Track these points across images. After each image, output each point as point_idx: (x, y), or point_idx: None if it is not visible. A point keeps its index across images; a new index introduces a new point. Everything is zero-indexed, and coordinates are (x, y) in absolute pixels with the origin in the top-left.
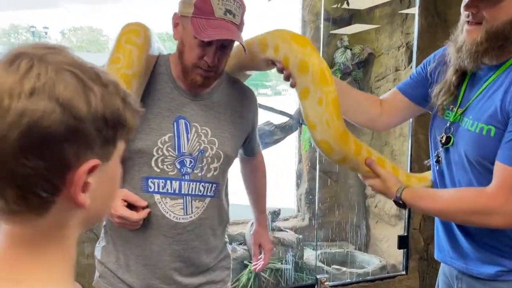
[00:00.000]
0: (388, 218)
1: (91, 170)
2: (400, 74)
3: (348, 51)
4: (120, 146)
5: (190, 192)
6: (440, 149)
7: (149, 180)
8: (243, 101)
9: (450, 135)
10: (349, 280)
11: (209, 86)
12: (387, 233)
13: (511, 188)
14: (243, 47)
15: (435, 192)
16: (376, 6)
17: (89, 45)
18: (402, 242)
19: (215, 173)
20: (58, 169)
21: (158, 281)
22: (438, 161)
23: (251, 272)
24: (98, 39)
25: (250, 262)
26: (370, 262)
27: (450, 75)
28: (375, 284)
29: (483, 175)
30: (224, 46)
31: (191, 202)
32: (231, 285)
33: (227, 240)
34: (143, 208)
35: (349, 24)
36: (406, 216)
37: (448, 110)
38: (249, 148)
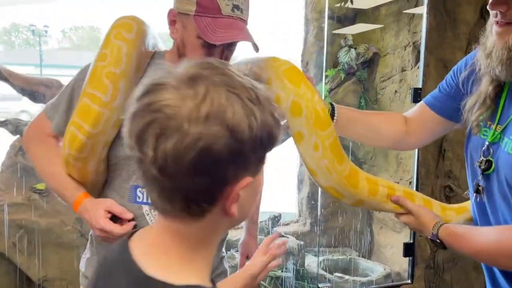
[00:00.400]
0: (393, 224)
1: (244, 187)
2: (407, 75)
3: (353, 50)
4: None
5: None
6: (480, 176)
7: (138, 190)
8: None
9: (491, 159)
10: None
11: None
12: (392, 240)
13: None
14: (256, 46)
15: (475, 230)
16: (382, 5)
17: (89, 44)
18: (408, 249)
19: None
20: (219, 185)
21: None
22: (478, 191)
23: None
24: (99, 38)
25: None
26: (374, 270)
27: (485, 86)
28: None
29: None
30: (230, 44)
31: None
32: None
33: (224, 255)
34: (129, 220)
35: (353, 22)
36: None
37: (485, 128)
38: None
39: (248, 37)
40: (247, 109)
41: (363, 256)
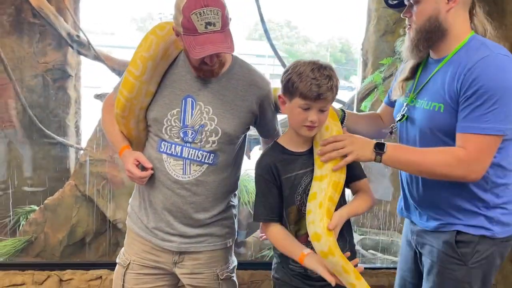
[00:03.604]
0: None
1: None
2: None
3: None
4: None
5: (189, 157)
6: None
7: (162, 143)
8: (250, 86)
9: (405, 114)
10: (378, 265)
11: (219, 73)
12: None
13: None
14: (230, 50)
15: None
16: None
17: None
18: None
19: (214, 145)
20: None
21: (164, 225)
22: (391, 132)
23: None
24: None
25: None
26: None
27: (408, 64)
28: None
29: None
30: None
31: (190, 165)
32: (255, 256)
33: (234, 204)
34: (151, 169)
35: None
36: None
37: (406, 97)
38: (264, 130)
39: (218, 49)
40: None
41: None
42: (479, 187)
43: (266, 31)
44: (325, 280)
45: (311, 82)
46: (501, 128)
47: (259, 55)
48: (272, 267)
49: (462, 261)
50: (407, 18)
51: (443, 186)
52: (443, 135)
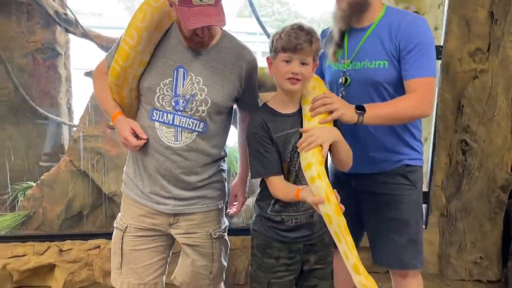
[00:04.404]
0: None
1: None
2: (438, 34)
3: None
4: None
5: (180, 124)
6: (342, 88)
7: (154, 111)
8: (237, 60)
9: (348, 77)
10: None
11: (208, 45)
12: None
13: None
14: (221, 23)
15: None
16: None
17: None
18: (423, 197)
19: (203, 114)
20: None
21: (158, 188)
22: (342, 96)
23: None
24: None
25: None
26: None
27: (335, 35)
28: None
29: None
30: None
31: (181, 132)
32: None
33: (223, 168)
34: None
35: None
36: (429, 173)
37: (340, 64)
38: (244, 103)
39: (213, 21)
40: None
41: None
42: (412, 123)
43: (251, 5)
44: (298, 230)
45: (289, 34)
46: (435, 72)
47: (250, 32)
48: (253, 221)
49: (414, 186)
50: None
51: (389, 132)
52: (390, 86)
